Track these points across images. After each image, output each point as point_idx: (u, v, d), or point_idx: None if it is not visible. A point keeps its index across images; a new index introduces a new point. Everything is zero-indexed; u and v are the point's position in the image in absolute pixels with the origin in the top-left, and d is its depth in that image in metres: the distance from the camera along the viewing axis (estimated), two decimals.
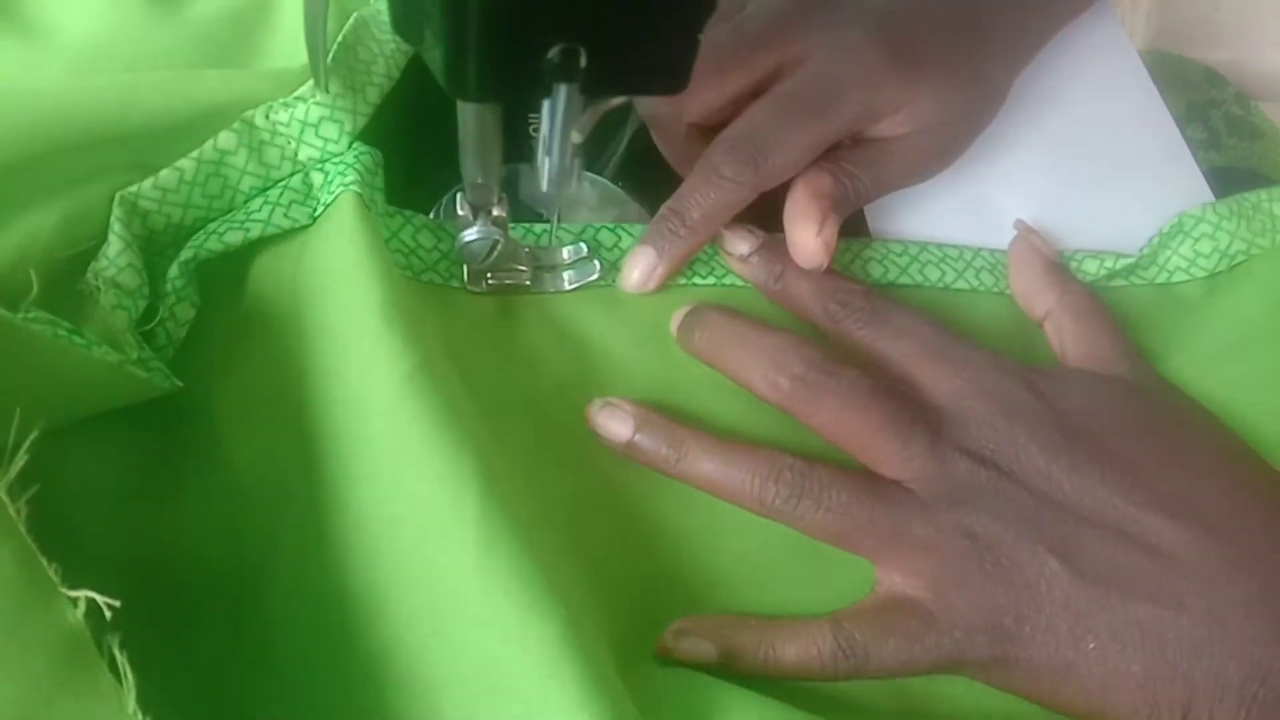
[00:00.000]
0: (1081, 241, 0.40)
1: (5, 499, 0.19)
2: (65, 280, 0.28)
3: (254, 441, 0.28)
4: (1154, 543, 0.27)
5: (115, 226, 0.29)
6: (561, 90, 0.23)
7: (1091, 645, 0.26)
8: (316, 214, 0.31)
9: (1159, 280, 0.38)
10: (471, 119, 0.27)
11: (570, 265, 0.34)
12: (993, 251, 0.37)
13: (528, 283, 0.34)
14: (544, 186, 0.27)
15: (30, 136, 0.28)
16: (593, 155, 0.36)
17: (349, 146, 0.32)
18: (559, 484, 0.30)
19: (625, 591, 0.28)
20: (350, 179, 0.31)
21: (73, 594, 0.19)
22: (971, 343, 0.31)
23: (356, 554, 0.24)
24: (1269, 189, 0.39)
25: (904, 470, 0.29)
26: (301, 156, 0.32)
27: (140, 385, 0.27)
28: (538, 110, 0.26)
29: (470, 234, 0.31)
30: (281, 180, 0.32)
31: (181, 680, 0.23)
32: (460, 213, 0.31)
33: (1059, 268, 0.35)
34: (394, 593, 0.23)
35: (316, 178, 0.32)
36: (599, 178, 0.38)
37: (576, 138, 0.26)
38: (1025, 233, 0.37)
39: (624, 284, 0.33)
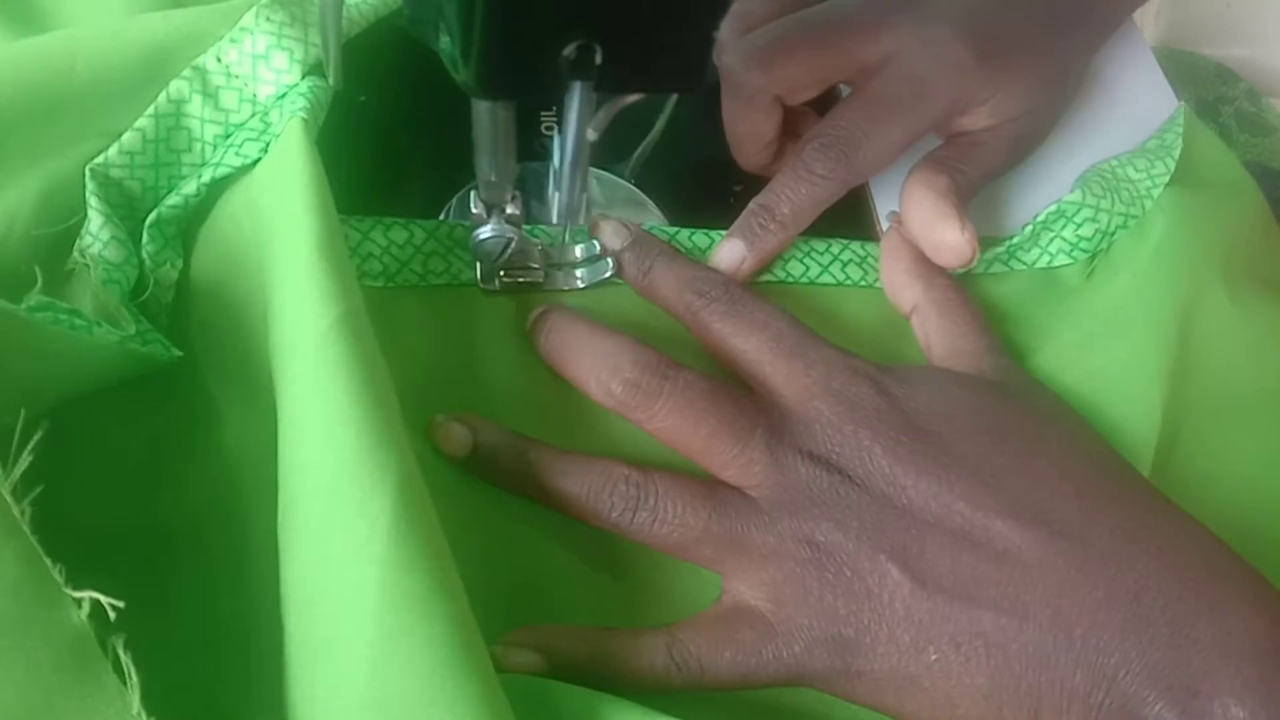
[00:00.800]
0: None
1: (10, 500, 0.20)
2: (51, 260, 0.29)
3: (237, 398, 0.29)
4: (1000, 548, 0.26)
5: (92, 201, 0.29)
6: (576, 87, 0.22)
7: (934, 657, 0.26)
8: (269, 148, 0.31)
9: (1040, 265, 0.37)
10: (486, 117, 0.27)
11: (583, 263, 0.35)
12: (863, 244, 0.37)
13: (541, 280, 0.34)
14: (554, 219, 0.26)
15: None
16: (616, 157, 0.35)
17: (302, 77, 0.32)
18: None
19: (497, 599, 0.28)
20: (298, 105, 0.30)
21: (77, 594, 0.20)
22: (824, 341, 0.30)
23: (283, 515, 0.24)
24: (1116, 157, 0.39)
25: (743, 476, 0.28)
26: (260, 95, 0.32)
27: (142, 360, 0.28)
28: (550, 109, 0.25)
29: (484, 232, 0.32)
30: (243, 124, 0.32)
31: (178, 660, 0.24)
32: (474, 211, 0.32)
33: (927, 261, 0.35)
34: (291, 561, 0.23)
35: (274, 115, 0.31)
36: (620, 179, 0.39)
37: (591, 135, 0.26)
38: (897, 226, 0.36)
39: None
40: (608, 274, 0.34)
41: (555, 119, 0.36)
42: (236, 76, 0.32)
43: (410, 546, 0.21)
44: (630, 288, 0.34)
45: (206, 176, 0.31)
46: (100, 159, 0.30)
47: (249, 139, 0.31)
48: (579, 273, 0.34)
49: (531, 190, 0.37)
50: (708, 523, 0.28)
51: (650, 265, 0.33)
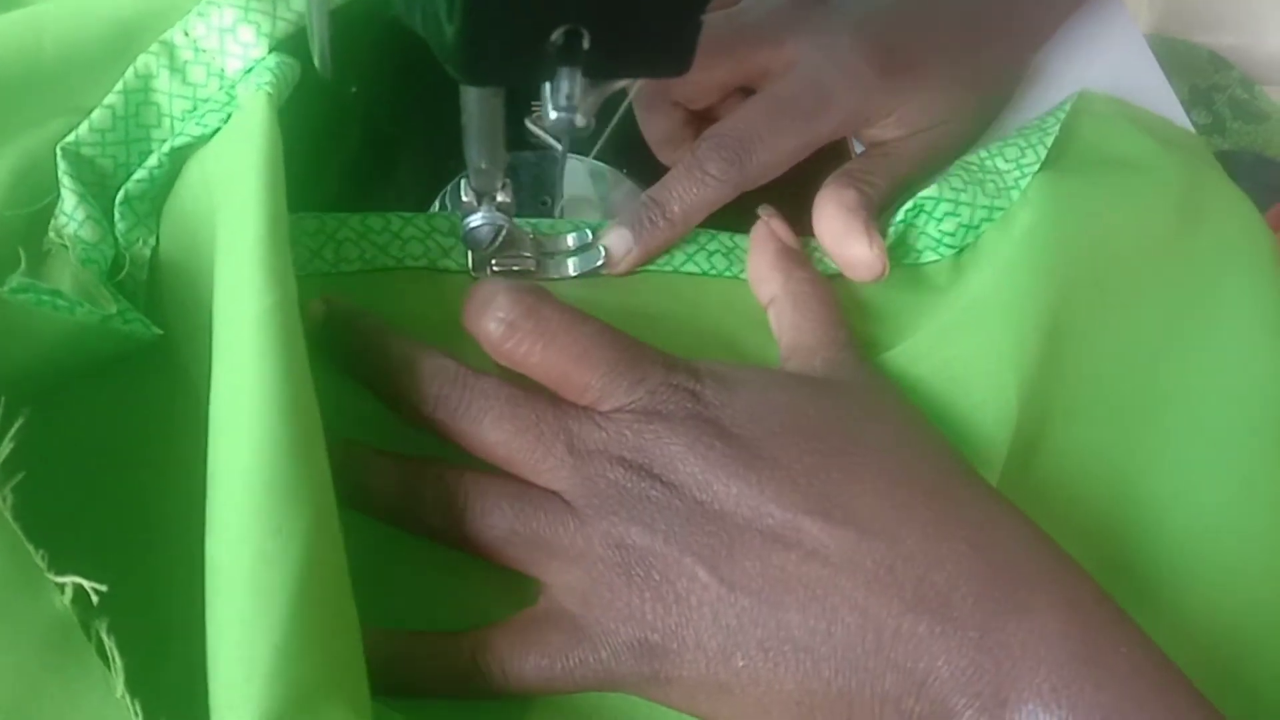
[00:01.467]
0: None
1: None
2: (26, 241, 0.29)
3: (196, 368, 0.28)
4: (810, 549, 0.26)
5: (65, 180, 0.30)
6: (563, 73, 0.22)
7: (741, 663, 0.25)
8: (230, 119, 0.31)
9: (907, 262, 0.37)
10: (475, 104, 0.27)
11: (574, 252, 0.35)
12: (731, 235, 0.37)
13: (532, 269, 0.34)
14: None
15: None
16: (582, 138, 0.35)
17: (269, 51, 0.32)
18: None
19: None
20: (264, 79, 0.31)
21: (60, 580, 0.20)
22: (636, 343, 0.30)
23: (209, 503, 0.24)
24: (986, 147, 0.38)
25: (551, 480, 0.28)
26: (229, 70, 0.32)
27: (123, 339, 0.28)
28: (539, 98, 0.25)
29: (475, 220, 0.32)
30: (211, 98, 0.32)
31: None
32: (464, 199, 0.32)
33: (791, 254, 0.35)
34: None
35: (241, 89, 0.32)
36: (594, 161, 0.39)
37: (581, 121, 0.25)
38: (767, 218, 0.36)
39: None
40: (599, 263, 0.35)
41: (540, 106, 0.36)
42: (204, 51, 0.32)
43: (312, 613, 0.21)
44: (621, 277, 0.35)
45: (167, 147, 0.31)
46: (71, 137, 0.30)
47: (211, 110, 0.31)
48: (570, 261, 0.35)
49: (522, 180, 0.37)
50: (514, 523, 0.27)
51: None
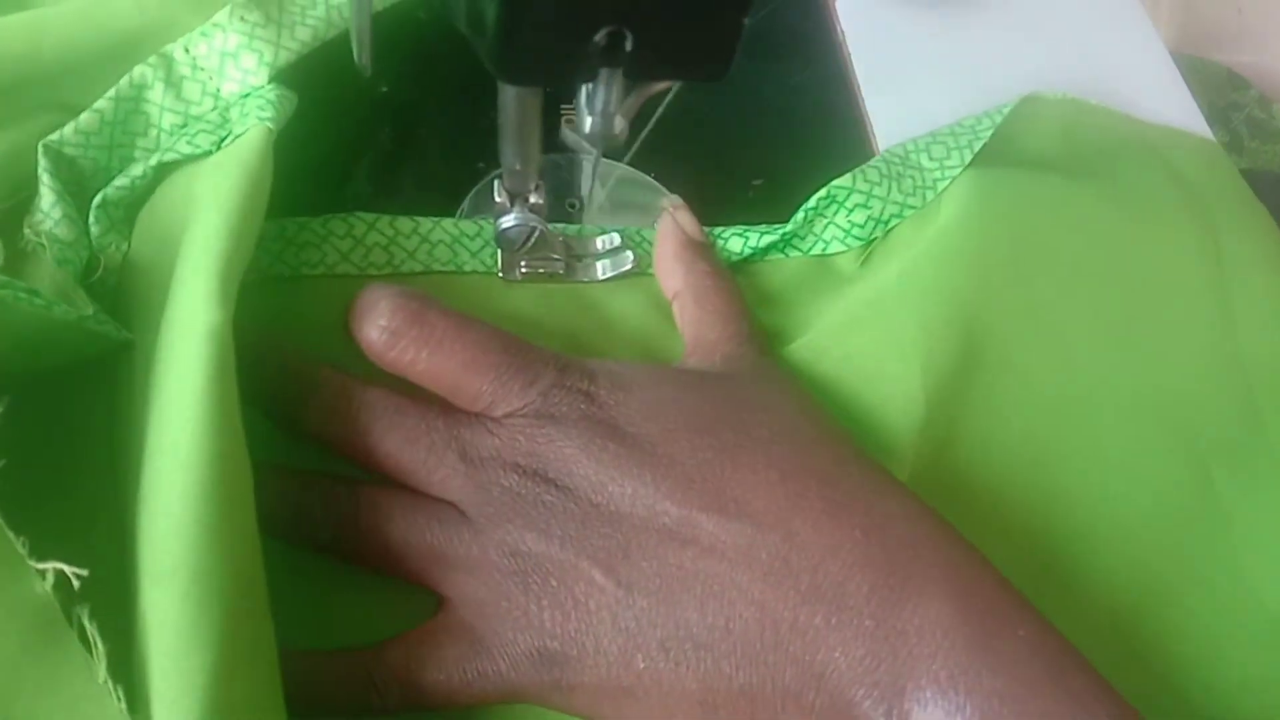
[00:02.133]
0: None
1: None
2: (4, 236, 0.29)
3: (136, 377, 0.28)
4: (706, 545, 0.26)
5: (44, 177, 0.30)
6: (604, 74, 0.22)
7: (643, 665, 0.25)
8: (223, 143, 0.31)
9: (814, 252, 0.37)
10: (513, 104, 0.28)
11: (604, 255, 0.36)
12: (639, 230, 0.37)
13: (561, 271, 0.35)
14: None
15: None
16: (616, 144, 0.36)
17: (268, 80, 0.32)
18: None
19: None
20: (267, 114, 0.31)
21: (41, 566, 0.20)
22: (527, 345, 0.29)
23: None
24: (915, 140, 0.39)
25: (445, 489, 0.27)
26: (224, 91, 0.33)
27: (96, 340, 0.28)
28: (570, 102, 0.25)
29: (508, 220, 0.33)
30: (202, 115, 0.32)
31: None
32: (497, 200, 0.33)
33: (694, 247, 0.35)
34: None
35: (234, 112, 0.32)
36: (626, 166, 0.40)
37: (618, 126, 0.25)
38: (672, 211, 0.36)
39: None
40: (628, 266, 0.35)
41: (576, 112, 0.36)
42: (202, 70, 0.32)
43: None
44: (653, 279, 0.35)
45: (154, 160, 0.31)
46: (55, 135, 0.30)
47: (203, 130, 0.32)
48: (600, 264, 0.36)
49: (552, 182, 0.37)
50: (407, 535, 0.27)
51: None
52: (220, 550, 0.22)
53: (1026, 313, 0.35)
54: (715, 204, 0.39)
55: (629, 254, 0.36)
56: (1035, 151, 0.40)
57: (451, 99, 0.40)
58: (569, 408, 0.28)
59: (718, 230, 0.37)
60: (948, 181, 0.37)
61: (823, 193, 0.37)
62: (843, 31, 0.48)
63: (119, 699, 0.20)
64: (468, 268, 0.34)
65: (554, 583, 0.26)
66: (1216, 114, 0.70)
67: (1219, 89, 0.73)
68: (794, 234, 0.37)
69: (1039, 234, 0.37)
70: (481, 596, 0.26)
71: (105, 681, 0.20)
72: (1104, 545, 0.32)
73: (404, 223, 0.34)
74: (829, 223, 0.37)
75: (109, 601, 0.21)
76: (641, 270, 0.36)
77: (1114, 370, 0.35)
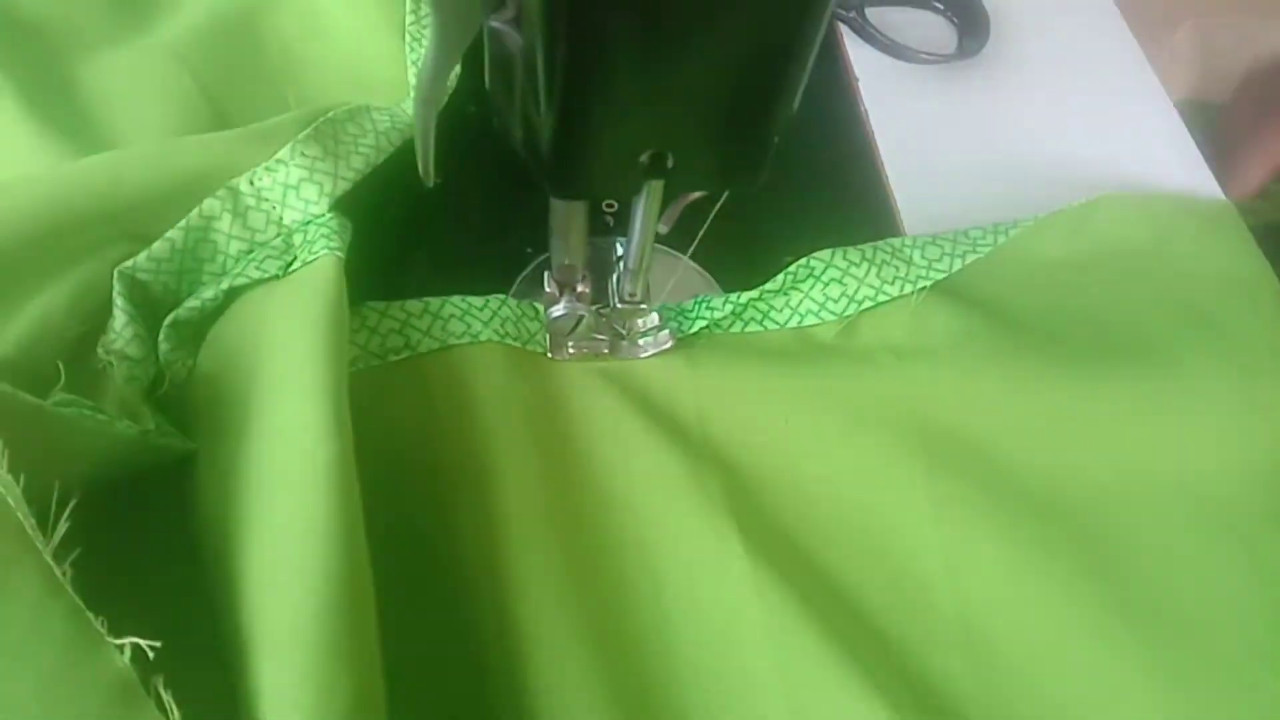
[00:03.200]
0: None
1: (52, 563, 0.22)
2: (79, 358, 0.32)
3: (209, 498, 0.31)
4: None
5: (118, 300, 0.33)
6: (647, 187, 0.25)
7: None
8: (291, 268, 0.35)
9: (791, 324, 0.41)
10: (562, 210, 0.32)
11: (646, 333, 0.39)
12: (679, 305, 0.41)
13: (606, 350, 0.38)
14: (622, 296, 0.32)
15: (32, 221, 0.31)
16: (678, 237, 0.39)
17: (328, 209, 0.36)
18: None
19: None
20: (335, 244, 0.35)
21: (118, 641, 0.22)
22: None
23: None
24: (914, 237, 0.43)
25: None
26: (286, 220, 0.36)
27: (160, 452, 0.30)
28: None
29: (558, 310, 0.36)
30: (266, 242, 0.36)
31: None
32: (548, 290, 0.37)
33: None
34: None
35: (297, 238, 0.36)
36: (685, 258, 0.43)
37: (662, 229, 0.28)
38: None
39: None
40: (668, 345, 0.38)
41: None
42: (266, 200, 0.36)
43: None
44: (682, 358, 0.39)
45: (225, 284, 0.34)
46: (129, 263, 0.34)
47: (270, 256, 0.35)
48: (641, 342, 0.39)
49: (595, 262, 0.40)
50: None
51: None
52: (345, 664, 0.24)
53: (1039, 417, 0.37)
54: (750, 280, 0.41)
55: (667, 333, 0.39)
56: (1057, 255, 0.43)
57: (500, 189, 0.44)
58: None
59: (703, 298, 0.40)
60: (930, 282, 0.40)
61: (803, 262, 0.40)
62: (865, 110, 0.51)
63: None
64: (483, 336, 0.37)
65: None
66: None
67: None
68: (771, 302, 0.40)
69: (1056, 338, 0.39)
70: None
71: None
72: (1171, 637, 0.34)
73: (414, 304, 0.37)
74: (804, 296, 0.40)
75: (183, 676, 0.23)
76: (679, 345, 0.39)
77: (1145, 459, 0.37)
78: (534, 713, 0.30)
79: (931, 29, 0.56)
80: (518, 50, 0.24)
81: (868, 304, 0.40)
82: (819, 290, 0.40)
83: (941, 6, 0.57)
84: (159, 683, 0.22)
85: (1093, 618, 0.34)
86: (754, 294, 0.40)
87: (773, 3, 0.22)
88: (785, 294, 0.40)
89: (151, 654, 0.21)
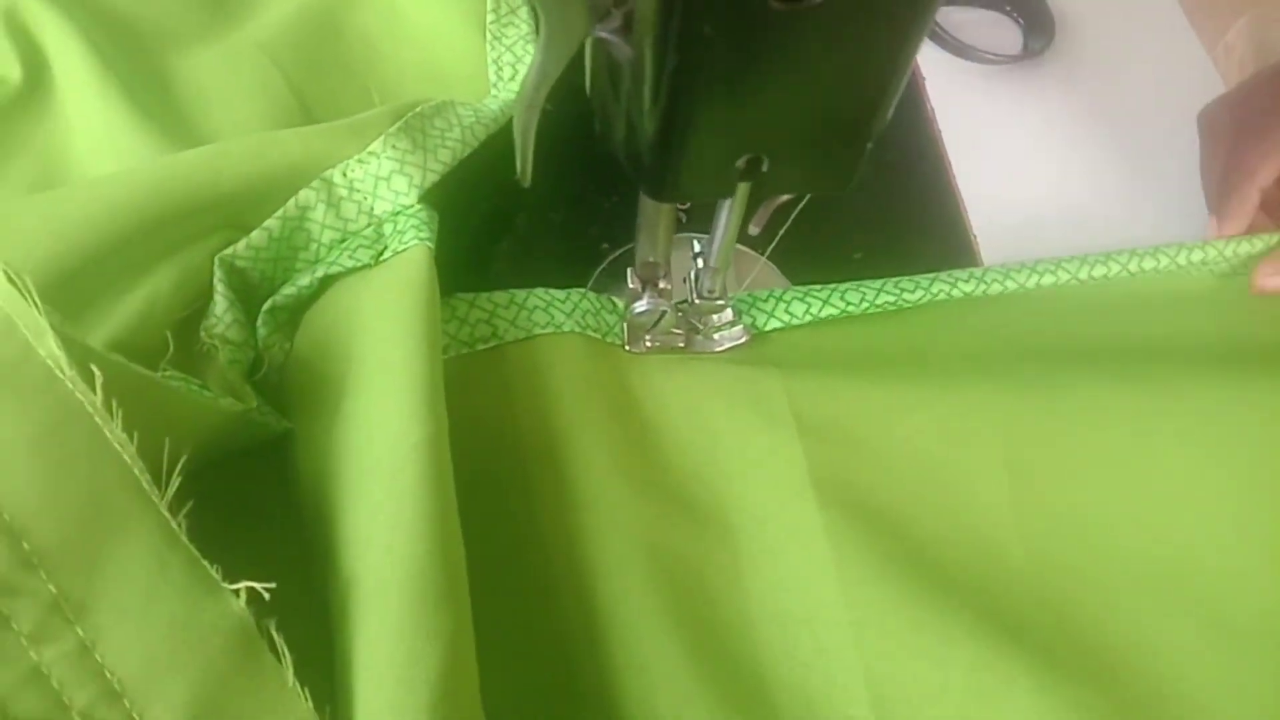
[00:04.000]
0: None
1: (168, 515, 0.24)
2: (183, 341, 0.33)
3: (306, 477, 0.32)
4: None
5: (218, 286, 0.35)
6: (740, 189, 0.26)
7: None
8: (383, 257, 0.36)
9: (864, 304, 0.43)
10: (651, 209, 0.34)
11: (720, 328, 0.40)
12: (752, 296, 0.42)
13: (682, 345, 0.40)
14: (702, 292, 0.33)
15: (138, 211, 0.33)
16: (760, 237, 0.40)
17: (417, 200, 0.38)
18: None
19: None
20: (425, 235, 0.36)
21: (234, 586, 0.23)
22: None
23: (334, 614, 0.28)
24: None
25: None
26: (377, 210, 0.38)
27: (260, 429, 0.32)
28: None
29: (640, 306, 0.38)
30: (358, 231, 0.38)
31: None
32: (630, 285, 0.38)
33: None
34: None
35: (387, 228, 0.37)
36: (763, 258, 0.45)
37: (753, 230, 0.29)
38: None
39: None
40: (742, 340, 0.38)
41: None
42: (358, 191, 0.38)
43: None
44: (760, 350, 0.40)
45: (320, 272, 0.36)
46: (229, 250, 0.36)
47: (363, 245, 0.37)
48: (716, 336, 0.40)
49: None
50: None
51: None
52: (443, 634, 0.26)
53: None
54: (821, 277, 0.43)
55: (741, 327, 0.40)
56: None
57: (577, 186, 0.46)
58: None
59: (778, 292, 0.42)
60: (890, 296, 0.41)
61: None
62: (932, 109, 0.51)
63: (306, 699, 0.23)
64: (565, 328, 0.39)
65: None
66: None
67: None
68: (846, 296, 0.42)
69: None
70: None
71: (294, 685, 0.23)
72: None
73: (500, 296, 0.39)
74: (879, 289, 0.42)
75: (293, 624, 0.24)
76: (754, 338, 0.41)
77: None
78: (622, 691, 0.32)
79: (997, 29, 0.58)
80: (624, 59, 0.25)
81: (942, 295, 0.42)
82: (783, 310, 0.41)
83: (1008, 7, 0.58)
84: (271, 625, 0.23)
85: None
86: (829, 291, 0.41)
87: (878, 21, 0.23)
88: (861, 289, 0.42)
89: (267, 595, 0.23)
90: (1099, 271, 0.43)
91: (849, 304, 0.41)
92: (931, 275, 0.42)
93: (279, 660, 0.23)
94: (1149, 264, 0.44)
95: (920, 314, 0.42)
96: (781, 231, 0.36)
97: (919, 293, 0.41)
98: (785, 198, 0.31)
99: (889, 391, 0.39)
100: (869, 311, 0.41)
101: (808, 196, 0.33)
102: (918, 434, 0.38)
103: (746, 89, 0.25)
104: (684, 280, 0.41)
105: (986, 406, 0.38)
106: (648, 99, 0.25)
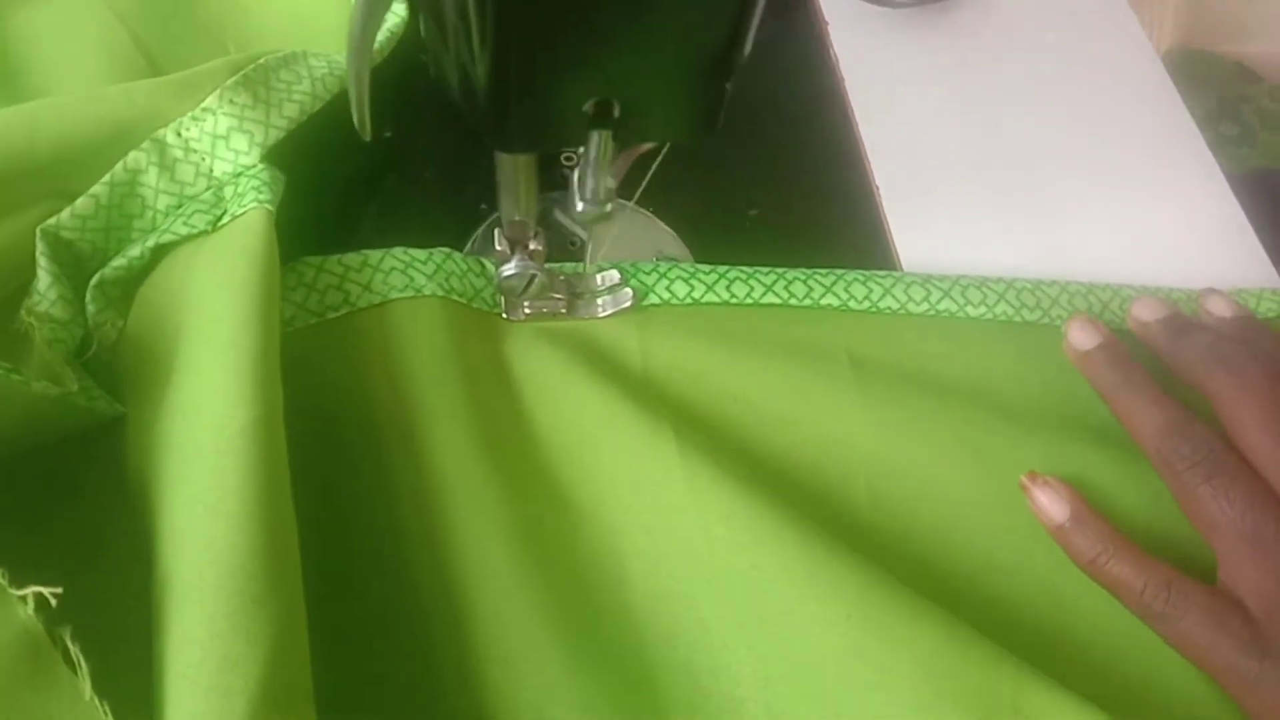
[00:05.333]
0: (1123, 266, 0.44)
1: None
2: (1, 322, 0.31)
3: (133, 463, 0.30)
4: None
5: (41, 261, 0.32)
6: (594, 137, 0.24)
7: None
8: (220, 223, 0.34)
9: (749, 300, 0.40)
10: (508, 164, 0.31)
11: (605, 292, 0.38)
12: (635, 264, 0.40)
13: (563, 310, 0.37)
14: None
15: None
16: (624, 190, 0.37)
17: (260, 159, 0.35)
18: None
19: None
20: (265, 197, 0.34)
21: (20, 592, 0.21)
22: None
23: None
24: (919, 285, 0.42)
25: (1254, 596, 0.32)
26: (217, 172, 0.35)
27: (85, 415, 0.30)
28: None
29: (509, 269, 0.35)
30: (196, 195, 0.35)
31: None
32: (498, 248, 0.36)
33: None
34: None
35: (228, 191, 0.35)
36: (635, 206, 0.43)
37: (610, 183, 0.27)
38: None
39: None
40: (628, 304, 0.36)
41: (575, 152, 0.38)
42: (194, 152, 0.35)
43: None
44: (650, 313, 0.38)
45: (151, 242, 0.34)
46: (52, 221, 0.33)
47: (199, 210, 0.34)
48: (600, 301, 0.38)
49: (551, 220, 0.39)
50: (1244, 512, 0.32)
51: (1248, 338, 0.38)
52: (264, 638, 0.23)
53: None
54: (712, 234, 0.40)
55: (628, 291, 0.38)
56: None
57: (453, 142, 0.43)
58: None
59: (665, 265, 0.39)
60: (777, 297, 0.39)
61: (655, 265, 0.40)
62: (835, 55, 0.49)
63: (106, 713, 0.21)
64: (426, 291, 0.36)
65: None
66: (1227, 107, 0.71)
67: (1229, 82, 0.73)
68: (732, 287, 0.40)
69: None
70: (1271, 601, 0.32)
71: (91, 699, 0.21)
72: None
73: (353, 258, 0.36)
74: (649, 291, 0.39)
75: (100, 630, 0.22)
76: (638, 306, 0.38)
77: None
78: (486, 686, 0.30)
79: None
80: None
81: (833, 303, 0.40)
82: (664, 287, 0.39)
83: None
84: (65, 634, 0.21)
85: None
86: (716, 275, 0.39)
87: None
88: (749, 281, 0.40)
89: (54, 601, 0.21)
90: (1003, 310, 0.41)
91: (733, 296, 0.39)
92: (832, 275, 0.39)
93: (74, 671, 0.21)
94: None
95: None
96: (644, 183, 0.34)
97: (808, 300, 0.39)
98: (646, 146, 0.29)
99: (765, 373, 0.37)
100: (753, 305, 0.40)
101: (667, 146, 0.31)
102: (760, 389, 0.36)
103: (587, 22, 0.23)
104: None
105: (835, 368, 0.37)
106: (475, 35, 0.23)
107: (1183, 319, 0.39)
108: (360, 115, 0.30)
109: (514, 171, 0.31)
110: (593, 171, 0.29)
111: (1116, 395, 0.36)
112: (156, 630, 0.24)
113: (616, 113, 0.25)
